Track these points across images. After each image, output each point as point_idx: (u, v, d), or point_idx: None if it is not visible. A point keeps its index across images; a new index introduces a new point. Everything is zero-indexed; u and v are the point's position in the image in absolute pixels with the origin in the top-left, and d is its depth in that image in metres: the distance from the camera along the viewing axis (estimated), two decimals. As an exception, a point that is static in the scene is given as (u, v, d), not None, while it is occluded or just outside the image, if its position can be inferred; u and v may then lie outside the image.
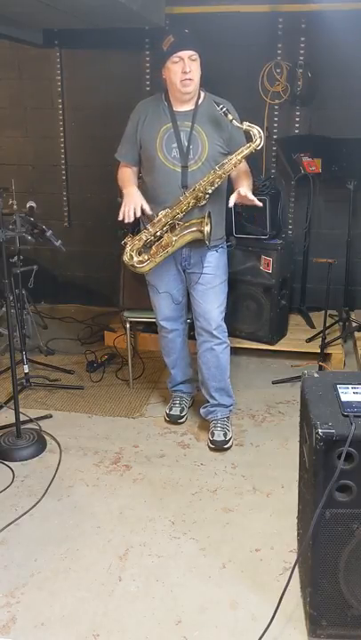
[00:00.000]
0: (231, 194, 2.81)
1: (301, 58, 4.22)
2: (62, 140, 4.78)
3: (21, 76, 4.71)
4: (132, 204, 2.82)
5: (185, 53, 2.69)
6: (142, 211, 2.84)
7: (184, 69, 2.69)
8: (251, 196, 2.77)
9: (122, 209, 2.85)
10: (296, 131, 4.40)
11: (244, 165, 2.90)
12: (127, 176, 2.98)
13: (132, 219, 2.82)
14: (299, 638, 1.96)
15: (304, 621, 1.99)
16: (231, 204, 2.81)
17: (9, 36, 4.21)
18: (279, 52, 4.25)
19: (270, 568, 2.26)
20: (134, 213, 2.81)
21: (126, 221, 2.84)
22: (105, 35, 4.34)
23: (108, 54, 4.51)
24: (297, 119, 4.38)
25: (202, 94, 2.86)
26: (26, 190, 4.59)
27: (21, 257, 3.71)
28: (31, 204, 3.87)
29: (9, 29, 4.14)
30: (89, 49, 4.53)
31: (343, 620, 1.90)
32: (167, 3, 4.05)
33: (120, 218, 2.84)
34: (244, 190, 2.77)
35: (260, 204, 2.83)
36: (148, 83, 4.49)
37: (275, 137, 4.41)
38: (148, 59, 4.45)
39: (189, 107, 2.83)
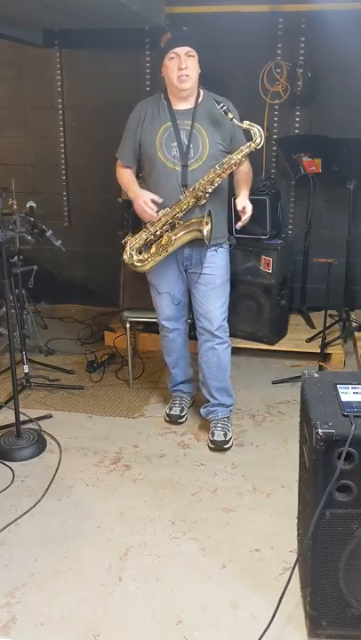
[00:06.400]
0: (232, 195, 2.80)
1: (301, 58, 4.22)
2: (62, 140, 4.78)
3: (21, 76, 4.71)
4: (142, 203, 2.82)
5: (181, 49, 2.70)
6: (154, 202, 2.83)
7: (180, 65, 2.69)
8: (248, 210, 2.85)
9: (140, 213, 2.86)
10: (296, 131, 4.40)
11: (246, 166, 2.90)
12: (129, 178, 2.98)
13: (154, 216, 2.82)
14: (299, 638, 1.96)
15: (304, 621, 1.99)
16: (239, 226, 2.89)
17: (9, 36, 4.21)
18: (279, 52, 4.26)
19: (270, 568, 2.26)
20: (150, 208, 2.82)
21: (148, 220, 2.85)
22: (105, 35, 4.35)
23: (108, 54, 4.51)
24: (297, 119, 4.38)
25: (201, 92, 2.85)
26: (26, 190, 4.59)
27: (21, 257, 3.71)
28: (31, 204, 3.86)
29: (9, 29, 4.14)
30: (89, 49, 4.53)
31: (343, 620, 1.90)
32: (167, 3, 4.05)
33: (147, 221, 2.86)
34: (242, 203, 2.84)
35: (249, 213, 2.87)
36: (148, 83, 4.49)
37: (275, 137, 4.41)
38: (148, 59, 4.45)
39: (189, 105, 2.82)
